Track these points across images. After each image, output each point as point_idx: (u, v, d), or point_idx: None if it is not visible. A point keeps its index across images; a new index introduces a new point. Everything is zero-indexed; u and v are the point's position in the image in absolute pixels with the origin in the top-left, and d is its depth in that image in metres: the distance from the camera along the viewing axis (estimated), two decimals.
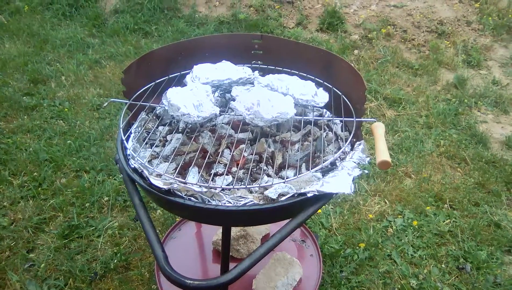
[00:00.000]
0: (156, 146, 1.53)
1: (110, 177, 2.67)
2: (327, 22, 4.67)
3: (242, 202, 1.20)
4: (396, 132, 3.17)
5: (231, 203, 1.20)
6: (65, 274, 2.10)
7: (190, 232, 2.16)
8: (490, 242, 2.37)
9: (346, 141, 1.44)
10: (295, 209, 1.23)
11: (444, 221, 2.45)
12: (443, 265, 2.22)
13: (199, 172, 1.36)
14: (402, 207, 2.53)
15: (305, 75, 1.73)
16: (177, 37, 4.38)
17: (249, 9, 5.10)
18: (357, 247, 2.26)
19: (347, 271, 2.14)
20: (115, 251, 2.20)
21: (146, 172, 1.31)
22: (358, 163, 1.32)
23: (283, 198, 1.22)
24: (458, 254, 2.29)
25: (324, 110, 1.63)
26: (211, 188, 1.21)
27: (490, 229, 2.45)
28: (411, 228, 2.40)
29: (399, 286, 2.10)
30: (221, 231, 2.02)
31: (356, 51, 4.28)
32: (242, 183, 1.34)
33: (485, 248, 2.33)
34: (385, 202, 2.55)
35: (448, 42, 4.48)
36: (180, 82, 1.69)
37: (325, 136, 1.55)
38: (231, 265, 1.45)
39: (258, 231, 2.09)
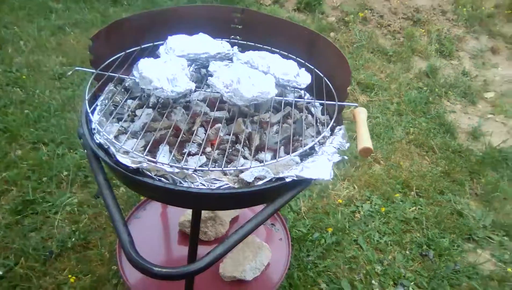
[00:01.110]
0: (124, 121, 1.44)
1: (71, 151, 2.55)
2: (305, 2, 4.62)
3: (217, 185, 1.15)
4: (368, 118, 3.19)
5: (204, 185, 1.14)
6: (16, 253, 1.99)
7: (155, 212, 2.09)
8: (453, 230, 2.44)
9: (326, 125, 1.41)
10: (272, 194, 1.19)
11: (410, 208, 2.50)
12: (407, 252, 2.27)
13: (170, 151, 1.29)
14: (370, 192, 2.56)
15: (287, 54, 1.68)
16: (148, 7, 4.20)
17: None
18: (325, 232, 2.28)
19: (314, 256, 2.15)
20: (73, 229, 2.11)
21: (112, 149, 1.22)
22: (338, 148, 1.28)
23: (260, 182, 1.18)
24: (422, 241, 2.35)
25: (303, 91, 1.59)
26: (183, 169, 1.15)
27: (453, 217, 2.53)
28: (379, 214, 2.43)
29: (364, 272, 2.14)
30: (188, 211, 2.00)
31: (332, 34, 4.27)
32: (217, 164, 1.29)
33: (447, 235, 2.40)
34: (354, 187, 2.57)
35: (423, 30, 4.53)
36: (153, 53, 1.59)
37: (305, 119, 1.52)
38: (199, 248, 1.41)
39: (227, 213, 2.07)
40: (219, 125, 1.41)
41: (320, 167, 1.19)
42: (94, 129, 1.31)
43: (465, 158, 2.99)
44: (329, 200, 2.48)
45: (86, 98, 1.36)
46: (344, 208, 2.44)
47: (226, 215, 2.05)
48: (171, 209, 2.11)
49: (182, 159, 1.26)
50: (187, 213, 2.03)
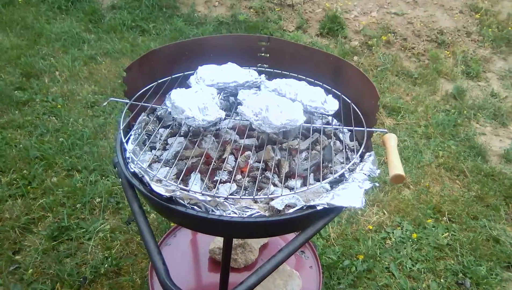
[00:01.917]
0: (157, 149, 1.49)
1: (103, 177, 2.61)
2: (328, 27, 4.70)
3: (248, 213, 1.16)
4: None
5: (236, 213, 1.16)
6: (52, 278, 2.03)
7: (185, 238, 2.12)
8: (489, 258, 2.35)
9: (355, 151, 1.42)
10: (303, 222, 1.20)
11: (443, 234, 2.44)
12: (442, 280, 2.20)
13: (202, 179, 1.32)
14: (401, 218, 2.52)
15: (313, 80, 1.71)
16: (175, 36, 4.35)
17: (249, 10, 5.11)
18: (355, 259, 2.24)
19: (345, 284, 2.11)
20: (106, 255, 2.15)
21: (147, 177, 1.26)
22: (369, 175, 1.29)
23: (291, 210, 1.18)
24: (457, 269, 2.27)
25: (331, 118, 1.61)
26: (215, 197, 1.17)
27: (489, 244, 2.44)
28: (410, 240, 2.39)
29: None
30: (218, 238, 2.01)
31: (356, 58, 4.29)
32: (247, 192, 1.30)
33: (484, 263, 2.31)
34: (384, 213, 2.53)
35: (448, 52, 4.49)
36: (183, 83, 1.66)
37: (333, 145, 1.53)
38: (229, 276, 1.41)
39: (256, 240, 2.06)
40: (249, 152, 1.43)
41: (351, 194, 1.20)
42: (128, 158, 1.35)
43: (498, 182, 2.89)
44: (359, 226, 2.45)
45: (121, 127, 1.42)
46: (374, 235, 2.41)
47: (256, 242, 2.06)
48: (201, 236, 2.13)
49: (214, 187, 1.28)
50: (217, 240, 2.04)
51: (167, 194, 1.18)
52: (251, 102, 1.45)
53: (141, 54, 1.64)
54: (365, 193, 1.22)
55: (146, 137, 1.55)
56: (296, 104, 1.48)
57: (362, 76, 1.55)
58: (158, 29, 4.53)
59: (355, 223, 2.46)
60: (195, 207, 1.17)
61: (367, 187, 1.24)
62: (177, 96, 1.44)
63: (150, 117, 1.65)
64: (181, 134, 1.57)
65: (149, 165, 1.37)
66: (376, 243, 2.34)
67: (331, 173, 1.34)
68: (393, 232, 2.43)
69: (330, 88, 1.67)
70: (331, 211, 1.18)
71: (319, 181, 1.30)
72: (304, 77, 1.72)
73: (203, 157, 1.37)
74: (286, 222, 1.17)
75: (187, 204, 1.17)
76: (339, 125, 1.63)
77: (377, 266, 2.22)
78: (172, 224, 2.29)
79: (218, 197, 1.17)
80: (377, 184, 1.30)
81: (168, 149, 1.49)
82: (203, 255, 2.03)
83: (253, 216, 1.16)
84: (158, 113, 1.65)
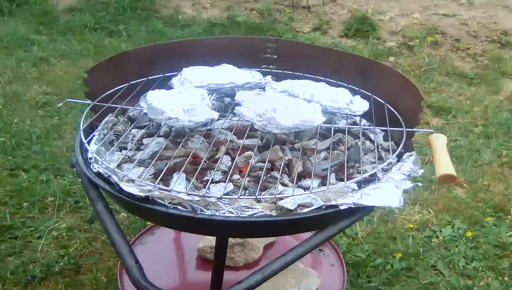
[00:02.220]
0: (129, 150, 1.58)
1: (58, 177, 2.90)
2: (355, 28, 5.09)
3: (248, 213, 1.25)
4: None
5: (233, 213, 1.25)
6: None
7: (166, 237, 2.28)
8: None
9: (391, 152, 1.54)
10: (321, 221, 1.30)
11: (507, 233, 2.71)
12: (505, 278, 2.43)
13: (188, 179, 1.39)
14: (452, 217, 2.82)
15: (335, 82, 1.88)
16: (154, 38, 4.62)
17: (250, 12, 5.42)
18: (391, 257, 2.49)
19: (377, 282, 2.34)
20: (61, 253, 2.38)
21: (115, 178, 1.33)
22: (409, 175, 1.41)
23: (305, 209, 1.27)
24: None
25: (358, 118, 1.76)
26: (205, 197, 1.24)
27: None
28: (464, 239, 2.66)
29: None
30: (208, 237, 2.15)
31: (392, 58, 4.71)
32: (248, 192, 1.38)
33: None
34: (429, 212, 2.85)
35: None
36: (162, 85, 1.80)
37: (362, 145, 1.65)
38: (224, 274, 1.54)
39: (260, 239, 2.22)
40: (250, 152, 1.53)
41: (385, 194, 1.31)
42: (90, 158, 1.46)
43: None
44: (396, 225, 2.74)
45: (81, 128, 1.55)
46: (416, 233, 2.70)
47: (259, 241, 2.21)
48: (187, 234, 2.25)
49: (203, 187, 1.35)
50: (207, 239, 2.17)
51: (142, 194, 1.25)
52: (253, 103, 1.58)
53: (109, 55, 1.81)
54: (404, 193, 1.32)
55: (115, 138, 1.65)
56: (312, 104, 1.62)
57: (400, 76, 1.76)
58: (131, 31, 4.85)
59: (391, 222, 2.75)
60: (179, 207, 1.24)
61: (407, 187, 1.35)
62: (155, 97, 1.57)
63: (119, 118, 1.75)
64: (160, 134, 1.66)
65: (118, 165, 1.45)
66: (419, 242, 2.63)
67: (359, 172, 1.44)
68: (441, 231, 2.72)
69: (358, 89, 1.84)
70: (358, 211, 1.29)
71: (342, 181, 1.39)
72: (324, 78, 1.89)
73: (189, 157, 1.45)
74: (298, 221, 1.27)
75: (169, 203, 1.24)
76: (369, 126, 1.76)
77: (420, 264, 2.47)
78: (148, 223, 2.46)
79: (209, 197, 1.25)
80: (420, 184, 1.40)
81: (143, 150, 1.58)
82: (190, 254, 2.21)
83: (255, 215, 1.24)
84: (130, 114, 1.75)
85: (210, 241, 2.15)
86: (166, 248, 2.23)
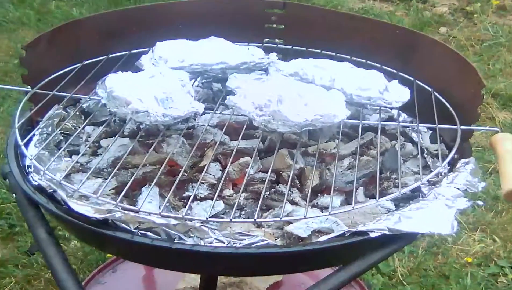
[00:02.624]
0: (82, 155, 1.57)
1: None
2: None
3: (245, 242, 1.23)
4: None
5: (223, 242, 1.23)
6: None
7: (133, 275, 2.26)
8: None
9: (441, 158, 1.51)
10: (345, 254, 1.30)
11: None
12: None
13: (162, 195, 1.39)
14: None
15: (364, 61, 1.89)
16: (117, 1, 4.62)
17: None
18: None
19: None
20: None
21: (61, 193, 1.33)
22: (465, 190, 1.39)
23: (323, 238, 1.26)
24: None
25: (396, 111, 1.75)
26: (185, 220, 1.23)
27: None
28: None
29: None
30: (191, 275, 2.12)
31: (443, 29, 4.71)
32: (244, 213, 1.38)
33: None
34: (494, 241, 2.83)
35: None
36: (129, 65, 1.80)
37: (401, 149, 1.63)
38: None
39: (262, 277, 2.20)
40: (247, 158, 1.52)
41: (432, 216, 1.29)
42: (29, 167, 1.45)
43: None
44: (448, 258, 2.72)
45: (16, 125, 1.53)
46: (476, 270, 2.67)
47: (261, 280, 2.20)
48: (162, 272, 2.23)
49: (183, 207, 1.34)
50: (189, 277, 2.15)
51: (98, 216, 1.24)
52: (251, 90, 1.57)
53: (56, 24, 1.82)
54: (459, 214, 1.31)
55: (62, 138, 1.65)
56: (333, 92, 1.61)
57: (453, 54, 1.75)
58: None
59: (442, 254, 2.73)
60: (149, 233, 1.23)
61: (462, 207, 1.33)
62: (117, 82, 1.55)
63: (69, 110, 1.75)
64: (125, 133, 1.66)
65: (67, 176, 1.44)
66: (480, 282, 2.60)
67: (396, 186, 1.43)
68: (510, 267, 2.71)
69: (395, 71, 1.85)
70: (396, 240, 1.27)
71: (373, 198, 1.38)
72: (349, 57, 1.90)
73: (164, 165, 1.44)
74: (314, 254, 1.26)
75: (135, 229, 1.23)
76: (411, 122, 1.75)
77: None
78: (109, 255, 2.42)
79: (191, 219, 1.24)
80: (480, 203, 1.39)
81: (101, 155, 1.57)
82: None
83: (253, 245, 1.22)
84: (84, 106, 1.76)
85: (193, 280, 2.13)
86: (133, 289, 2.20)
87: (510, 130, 3.53)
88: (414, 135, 1.71)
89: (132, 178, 1.39)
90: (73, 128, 1.68)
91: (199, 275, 1.87)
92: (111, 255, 2.41)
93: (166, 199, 1.34)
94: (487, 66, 4.23)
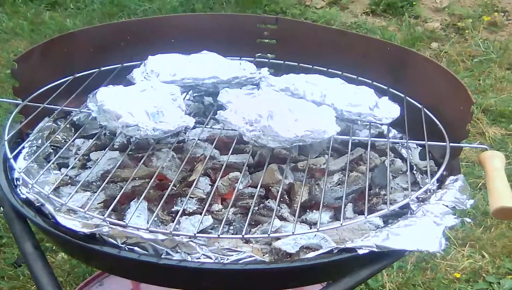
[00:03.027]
0: (72, 168, 1.57)
1: None
2: (385, 3, 5.11)
3: (233, 258, 1.24)
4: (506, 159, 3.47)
5: (211, 258, 1.24)
6: None
7: (120, 289, 2.22)
8: None
9: (431, 175, 1.52)
10: (333, 271, 1.31)
11: None
12: None
13: (150, 210, 1.40)
14: None
15: (355, 77, 1.90)
16: (111, 12, 4.65)
17: None
18: None
19: None
20: None
21: (49, 207, 1.33)
22: (453, 207, 1.40)
23: (311, 254, 1.26)
24: None
25: (386, 127, 1.76)
26: (172, 235, 1.23)
27: None
28: None
29: None
30: None
31: (435, 44, 4.73)
32: (233, 228, 1.38)
33: None
34: (483, 256, 2.82)
35: None
36: (120, 78, 1.81)
37: (390, 165, 1.64)
38: None
39: None
40: (237, 173, 1.52)
41: (420, 233, 1.30)
42: (17, 179, 1.45)
43: None
44: (437, 274, 2.70)
45: (6, 137, 1.54)
46: (464, 285, 2.66)
47: None
48: (150, 287, 2.19)
49: (171, 221, 1.35)
50: None
51: (86, 230, 1.24)
52: (242, 105, 1.58)
53: (50, 36, 1.82)
54: (447, 230, 1.32)
55: (52, 151, 1.66)
56: (323, 108, 1.61)
57: (443, 71, 1.77)
58: (80, 2, 4.84)
59: (430, 270, 2.72)
60: (136, 248, 1.23)
61: (451, 224, 1.34)
62: (107, 96, 1.56)
63: (59, 123, 1.76)
64: (115, 147, 1.66)
65: (55, 189, 1.45)
66: None
67: (385, 203, 1.42)
68: (499, 283, 2.68)
69: (386, 87, 1.86)
70: (384, 257, 1.28)
71: (362, 214, 1.38)
72: (340, 72, 1.91)
73: (153, 179, 1.44)
74: (302, 270, 1.26)
75: (122, 244, 1.23)
76: (400, 138, 1.76)
77: None
78: (95, 269, 2.41)
79: (179, 234, 1.24)
80: (468, 220, 1.43)
81: (90, 168, 1.58)
82: None
83: (241, 261, 1.23)
84: (74, 119, 1.76)
85: None
86: None
87: (500, 145, 3.59)
88: (403, 151, 1.72)
89: (121, 192, 1.40)
90: (63, 141, 1.69)
91: None
92: (97, 269, 2.39)
93: (155, 213, 1.34)
94: (478, 81, 4.27)
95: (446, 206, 1.39)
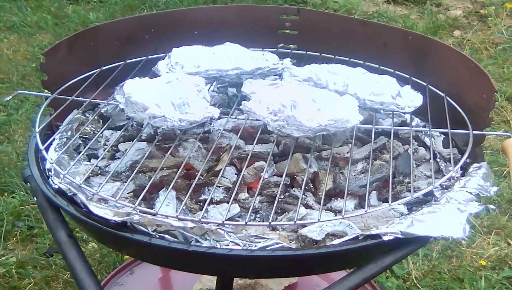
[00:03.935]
0: (101, 158, 1.61)
1: (5, 194, 2.95)
2: None
3: (260, 245, 1.26)
4: None
5: (239, 245, 1.26)
6: None
7: (150, 277, 2.30)
8: None
9: (454, 163, 1.53)
10: (359, 257, 1.33)
11: None
12: None
13: (179, 199, 1.42)
14: None
15: (377, 66, 1.92)
16: (134, 5, 4.69)
17: None
18: None
19: None
20: None
21: (81, 197, 1.36)
22: (477, 194, 1.41)
23: (337, 241, 1.29)
24: None
25: (409, 116, 1.77)
26: (201, 223, 1.25)
27: None
28: None
29: None
30: (207, 276, 2.16)
31: (457, 32, 4.74)
32: (259, 216, 1.41)
33: None
34: (508, 244, 2.85)
35: None
36: (146, 70, 1.84)
37: (413, 153, 1.66)
38: None
39: (277, 279, 2.22)
40: (262, 163, 1.54)
41: (444, 220, 1.31)
42: (49, 170, 1.48)
43: None
44: (462, 262, 2.76)
45: (37, 129, 1.57)
46: (490, 273, 2.69)
47: (276, 282, 2.26)
48: (177, 273, 2.26)
49: (200, 209, 1.38)
50: (205, 279, 2.18)
51: (117, 219, 1.27)
52: (266, 96, 1.59)
53: (73, 29, 1.85)
54: (473, 217, 1.32)
55: (82, 142, 1.69)
56: (346, 98, 1.63)
57: (465, 59, 1.77)
58: None
59: (456, 258, 2.77)
60: (167, 235, 1.26)
61: (474, 211, 1.35)
62: (134, 88, 1.58)
63: (87, 115, 1.79)
64: (143, 138, 1.69)
65: (86, 180, 1.46)
66: (495, 285, 2.63)
67: (409, 190, 1.44)
68: None
69: (408, 76, 1.88)
70: (408, 243, 1.29)
71: (386, 202, 1.39)
72: (362, 62, 1.93)
73: (180, 169, 1.46)
74: (328, 256, 1.29)
75: (153, 231, 1.26)
76: (423, 126, 1.78)
77: None
78: (127, 256, 2.45)
79: (208, 222, 1.26)
80: (492, 207, 1.41)
81: (119, 158, 1.61)
82: None
83: (268, 248, 1.25)
84: (102, 111, 1.79)
85: (209, 282, 2.16)
86: None
87: None
88: (426, 140, 1.73)
89: (150, 182, 1.42)
90: (91, 133, 1.73)
91: (215, 277, 1.90)
92: (128, 256, 2.45)
93: (183, 202, 1.36)
94: (502, 69, 4.27)
95: (470, 193, 1.40)
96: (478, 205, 1.36)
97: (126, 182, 1.46)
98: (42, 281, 2.49)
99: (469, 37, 4.63)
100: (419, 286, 2.57)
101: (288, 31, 2.04)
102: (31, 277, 2.50)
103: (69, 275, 2.49)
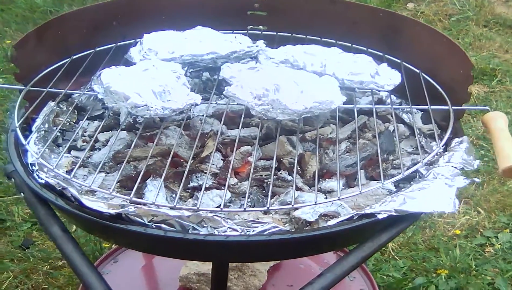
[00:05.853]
0: (81, 149, 1.62)
1: None
2: None
3: (258, 229, 1.27)
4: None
5: (237, 231, 1.27)
6: None
7: (133, 265, 2.34)
8: None
9: (436, 138, 1.56)
10: (354, 237, 1.36)
11: None
12: None
13: (168, 188, 1.43)
14: (509, 217, 2.94)
15: (350, 45, 1.92)
16: None
17: None
18: (434, 275, 2.60)
19: None
20: None
21: (72, 190, 1.34)
22: (462, 168, 1.45)
23: (332, 221, 1.30)
24: None
25: (386, 93, 1.80)
26: (199, 210, 1.26)
27: None
28: None
29: None
30: (193, 262, 2.21)
31: (410, 5, 4.85)
32: (251, 200, 1.43)
33: None
34: (479, 212, 2.98)
35: None
36: (117, 58, 1.82)
37: (393, 131, 1.68)
38: None
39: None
40: (247, 147, 1.55)
41: (434, 196, 1.35)
42: (32, 164, 1.47)
43: None
44: (436, 232, 2.86)
45: (17, 124, 1.55)
46: (464, 241, 2.81)
47: (262, 263, 2.30)
48: (161, 260, 2.32)
49: (190, 197, 1.40)
50: (191, 264, 2.21)
51: (112, 211, 1.27)
52: (247, 80, 1.59)
53: (21, 15, 1.83)
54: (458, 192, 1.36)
55: (59, 134, 1.68)
56: (326, 78, 1.63)
57: (437, 34, 1.80)
58: None
59: (430, 228, 2.87)
60: (163, 225, 1.26)
61: (461, 185, 1.39)
62: (112, 77, 1.57)
63: (61, 106, 1.77)
64: (123, 127, 1.67)
65: (69, 172, 1.46)
66: (469, 253, 2.73)
67: (394, 168, 1.49)
68: (496, 237, 2.83)
69: (382, 54, 1.88)
70: (401, 220, 1.33)
71: (373, 180, 1.44)
72: (334, 41, 1.92)
73: (170, 157, 1.46)
74: (328, 237, 1.30)
75: (149, 222, 1.26)
76: (400, 104, 1.81)
77: (473, 283, 2.56)
78: (105, 245, 2.53)
79: (205, 210, 1.28)
80: (477, 180, 1.47)
81: (99, 149, 1.62)
82: (169, 285, 2.29)
83: (266, 233, 1.27)
84: (77, 101, 1.78)
85: (196, 266, 2.18)
86: (136, 278, 2.28)
87: (485, 103, 3.66)
88: (405, 117, 1.76)
89: (142, 171, 1.40)
90: (67, 124, 1.72)
91: (202, 261, 1.94)
92: (107, 245, 2.51)
93: (179, 191, 1.37)
94: (457, 40, 4.31)
95: (455, 167, 1.43)
96: (464, 179, 1.40)
97: (110, 173, 1.47)
98: (21, 273, 2.51)
99: (422, 9, 4.74)
100: (397, 258, 2.65)
101: (257, 12, 2.02)
102: (9, 271, 2.51)
103: (48, 267, 2.51)
